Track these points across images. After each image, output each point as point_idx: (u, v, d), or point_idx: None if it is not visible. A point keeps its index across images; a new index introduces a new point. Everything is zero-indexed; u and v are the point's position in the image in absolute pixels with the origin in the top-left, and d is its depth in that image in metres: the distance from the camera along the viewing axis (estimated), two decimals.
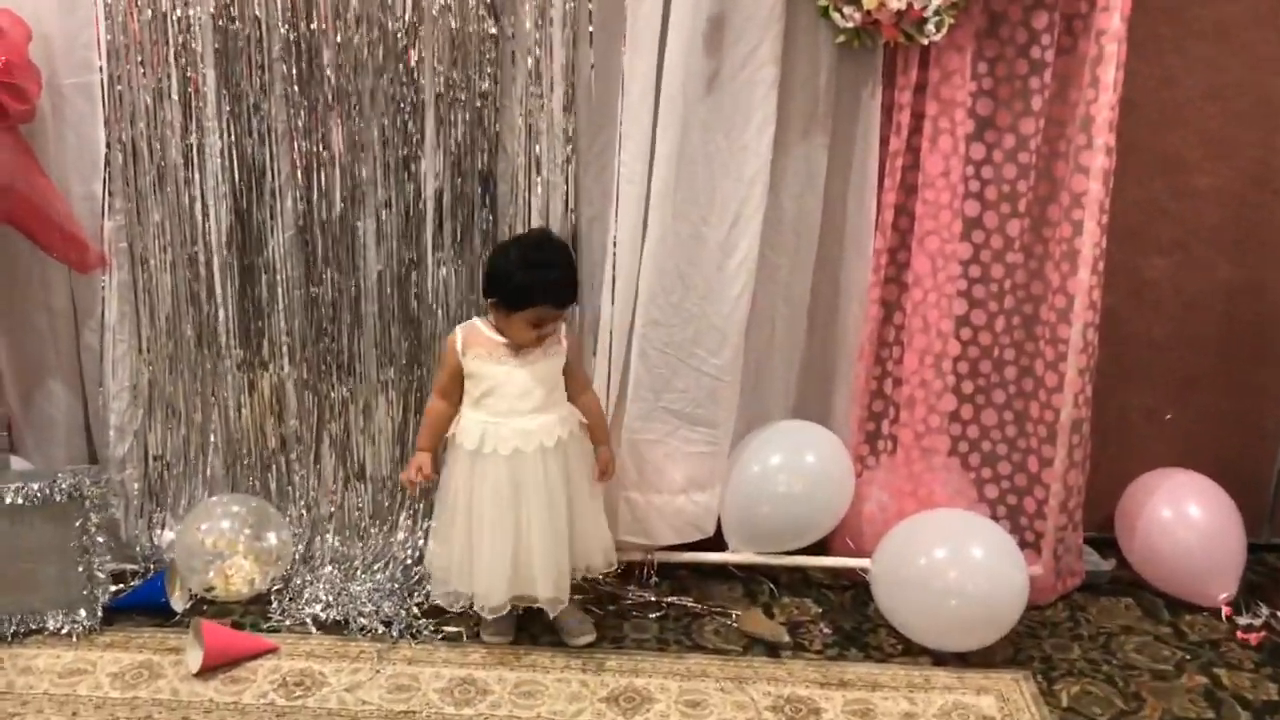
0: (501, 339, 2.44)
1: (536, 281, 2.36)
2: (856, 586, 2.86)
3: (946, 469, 2.81)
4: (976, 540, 2.58)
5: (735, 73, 2.57)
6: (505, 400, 2.43)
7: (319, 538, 2.90)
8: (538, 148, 2.64)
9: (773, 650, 2.61)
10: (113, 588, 2.73)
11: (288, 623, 2.68)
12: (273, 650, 2.55)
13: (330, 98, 2.64)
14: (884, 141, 2.69)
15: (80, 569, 2.61)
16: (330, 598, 2.74)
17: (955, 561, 2.55)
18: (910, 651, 2.61)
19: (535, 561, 2.47)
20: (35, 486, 2.55)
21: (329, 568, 2.83)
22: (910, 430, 2.79)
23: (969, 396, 2.82)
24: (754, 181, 2.63)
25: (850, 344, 2.87)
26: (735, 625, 2.71)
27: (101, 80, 2.63)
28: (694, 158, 2.61)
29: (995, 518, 2.82)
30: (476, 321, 2.49)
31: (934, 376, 2.74)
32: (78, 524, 2.59)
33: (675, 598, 2.82)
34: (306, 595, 2.75)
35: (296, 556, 2.86)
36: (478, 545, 2.47)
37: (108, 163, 2.68)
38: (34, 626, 2.60)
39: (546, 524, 2.45)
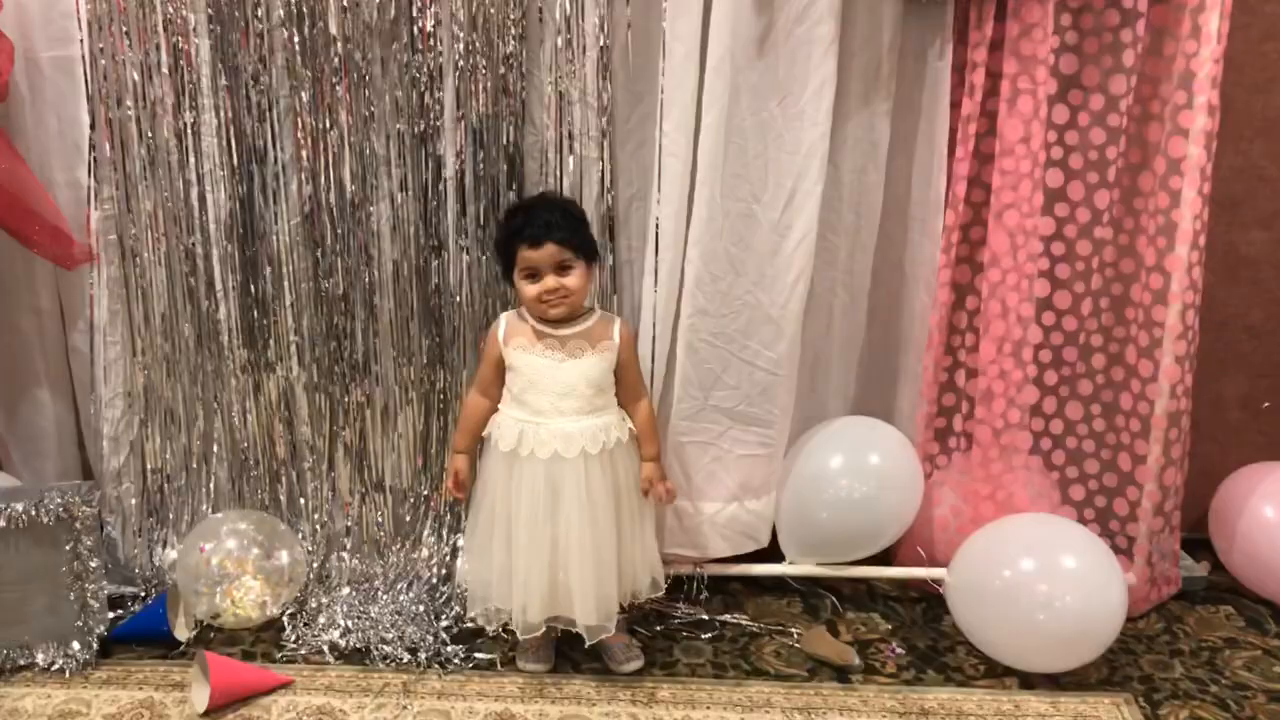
0: (543, 327, 2.22)
1: (516, 224, 2.19)
2: (927, 599, 2.62)
3: (1028, 468, 2.56)
4: (1069, 548, 2.33)
5: (789, 31, 2.31)
6: (546, 397, 2.20)
7: (335, 556, 2.65)
8: (569, 120, 2.38)
9: (842, 674, 2.36)
10: (110, 615, 2.48)
11: (303, 651, 2.43)
12: (286, 684, 2.31)
13: (337, 68, 2.37)
14: (955, 105, 2.44)
15: (72, 597, 2.36)
16: (349, 622, 2.49)
17: (1045, 573, 2.31)
18: (994, 673, 2.37)
19: (573, 580, 2.22)
20: (19, 508, 2.30)
21: (346, 589, 2.59)
22: (987, 426, 2.52)
23: (1052, 388, 2.56)
24: (811, 153, 2.36)
25: (917, 332, 2.62)
26: (798, 645, 2.45)
27: (83, 53, 2.37)
28: (744, 128, 2.35)
29: (1082, 521, 2.58)
30: (522, 309, 2.27)
31: (1013, 366, 2.48)
32: (68, 548, 2.34)
33: (729, 615, 2.57)
34: (322, 620, 2.50)
35: (310, 577, 2.60)
36: (514, 560, 2.23)
37: (92, 146, 2.43)
38: (22, 662, 2.36)
39: (586, 539, 2.21)
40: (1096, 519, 2.59)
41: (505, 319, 2.27)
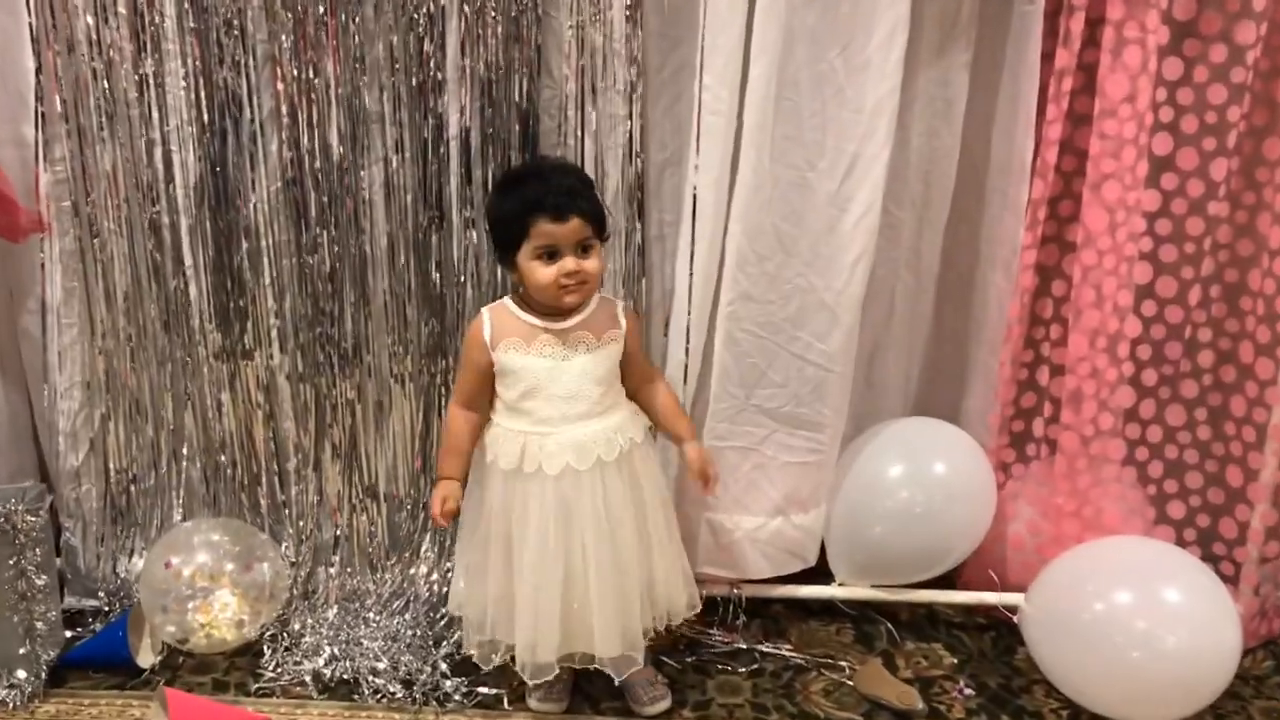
0: (538, 320, 1.88)
1: (530, 193, 1.83)
2: (996, 627, 2.31)
3: (1120, 481, 2.22)
4: (1174, 579, 2.02)
5: None
6: (550, 404, 1.87)
7: (321, 570, 2.33)
8: (593, 71, 2.04)
9: (903, 718, 2.03)
10: (68, 634, 2.19)
11: (284, 681, 2.13)
12: None
13: (324, 8, 2.04)
14: (1046, 57, 2.09)
15: (16, 620, 2.07)
16: (336, 648, 2.18)
17: (1145, 607, 2.00)
18: (1078, 719, 2.04)
19: (594, 610, 1.91)
20: None
21: (334, 609, 2.27)
22: (1074, 433, 2.18)
23: (1151, 389, 2.21)
24: (878, 112, 2.01)
25: (993, 322, 2.28)
26: (851, 683, 2.12)
27: None
28: (798, 81, 2.00)
29: (1181, 543, 2.25)
30: (506, 301, 1.93)
31: (1108, 364, 2.14)
32: (11, 563, 2.04)
33: (771, 644, 2.25)
34: (305, 644, 2.19)
35: (294, 593, 2.29)
36: (519, 589, 1.90)
37: (40, 98, 2.10)
38: None
39: (606, 560, 1.90)
40: (1198, 541, 2.25)
41: (488, 316, 1.91)
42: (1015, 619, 2.19)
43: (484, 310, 1.92)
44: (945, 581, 2.31)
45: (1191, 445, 2.23)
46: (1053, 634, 2.08)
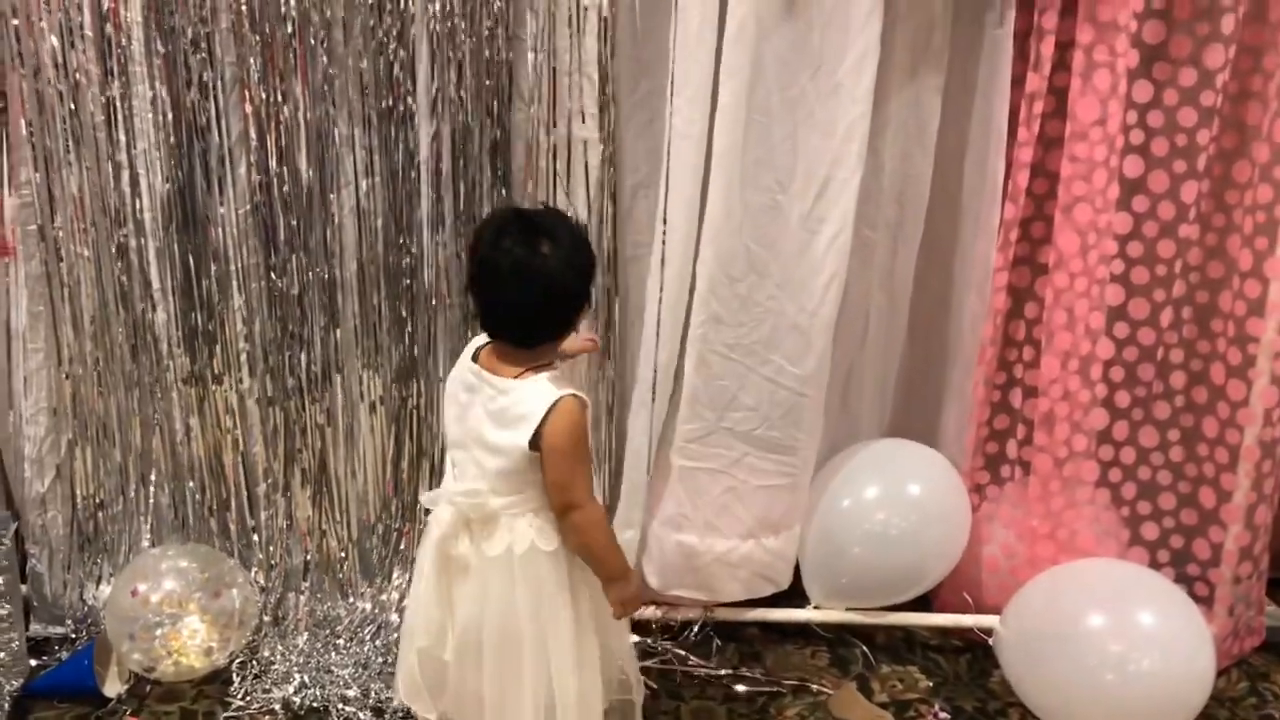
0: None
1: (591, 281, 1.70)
2: (972, 649, 2.30)
3: (1093, 503, 2.23)
4: (1147, 602, 2.03)
5: None
6: None
7: (291, 596, 2.30)
8: (564, 94, 2.03)
9: None
10: (33, 663, 2.15)
11: (253, 708, 2.09)
12: None
13: (292, 31, 2.02)
14: (1017, 81, 2.10)
15: None
16: (306, 676, 2.15)
17: (1119, 630, 2.01)
18: None
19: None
20: None
21: (304, 635, 2.24)
22: (1047, 454, 2.18)
23: (1124, 411, 2.22)
24: (849, 135, 2.01)
25: (966, 344, 2.29)
26: (827, 708, 2.11)
27: None
28: (769, 105, 2.00)
29: (1155, 564, 2.25)
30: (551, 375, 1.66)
31: (1080, 385, 2.14)
32: None
33: (744, 669, 2.22)
34: (275, 671, 2.17)
35: (264, 620, 2.26)
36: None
37: (4, 122, 2.06)
38: None
39: None
40: (1172, 562, 2.25)
41: (565, 386, 1.62)
42: (990, 641, 2.18)
43: (571, 391, 1.60)
44: (921, 604, 2.31)
45: (1165, 467, 2.23)
46: (1028, 656, 2.08)
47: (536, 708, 1.68)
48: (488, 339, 1.69)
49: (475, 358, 1.68)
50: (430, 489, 1.94)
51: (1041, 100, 2.06)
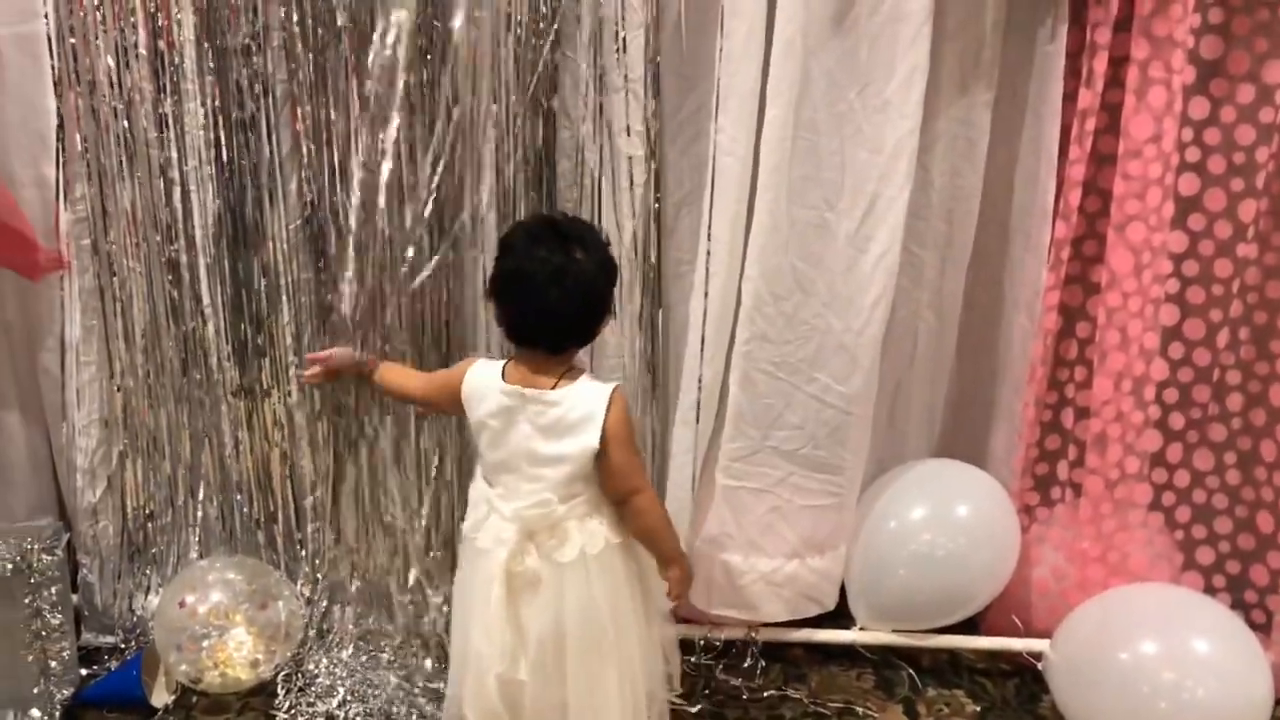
0: None
1: (511, 293, 1.71)
2: (1021, 673, 2.25)
3: (1146, 526, 2.18)
4: (1202, 628, 1.98)
5: (873, 8, 1.96)
6: None
7: (336, 609, 2.31)
8: (609, 111, 2.02)
9: None
10: (84, 671, 2.18)
11: None
12: None
13: (342, 47, 2.03)
14: (1069, 97, 2.07)
15: (31, 659, 2.06)
16: (350, 690, 2.16)
17: (1172, 658, 1.95)
18: None
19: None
20: None
21: (349, 649, 2.25)
22: (1099, 476, 2.14)
23: (1178, 433, 2.17)
24: (897, 153, 1.99)
25: (1016, 364, 2.25)
26: None
27: (48, 31, 2.04)
28: (816, 122, 1.99)
29: (1210, 590, 2.20)
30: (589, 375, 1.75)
31: (1133, 407, 2.10)
32: (27, 602, 2.03)
33: (788, 689, 2.20)
34: (320, 685, 2.18)
35: (309, 633, 2.27)
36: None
37: (60, 138, 2.10)
38: None
39: None
40: (1228, 588, 2.20)
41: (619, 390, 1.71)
42: (1040, 666, 2.14)
43: (616, 383, 1.70)
44: (968, 627, 2.27)
45: (1220, 490, 2.18)
46: (1078, 682, 2.04)
47: (623, 701, 1.73)
48: (508, 356, 1.74)
49: (504, 378, 1.69)
50: None
51: (1094, 117, 2.02)
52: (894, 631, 2.24)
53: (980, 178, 2.13)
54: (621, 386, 1.70)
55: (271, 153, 2.11)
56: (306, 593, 2.32)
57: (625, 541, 1.74)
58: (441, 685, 2.10)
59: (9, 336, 2.27)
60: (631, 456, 1.70)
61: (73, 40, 2.05)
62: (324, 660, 2.24)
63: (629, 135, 2.03)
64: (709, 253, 2.01)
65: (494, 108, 2.04)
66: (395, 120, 2.04)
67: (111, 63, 2.07)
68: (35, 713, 2.07)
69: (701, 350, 2.06)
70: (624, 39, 1.98)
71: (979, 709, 2.17)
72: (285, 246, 2.16)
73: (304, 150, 2.10)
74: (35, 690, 2.06)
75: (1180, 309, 2.09)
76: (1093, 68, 2.00)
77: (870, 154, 2.00)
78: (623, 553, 1.74)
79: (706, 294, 2.03)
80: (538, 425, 1.67)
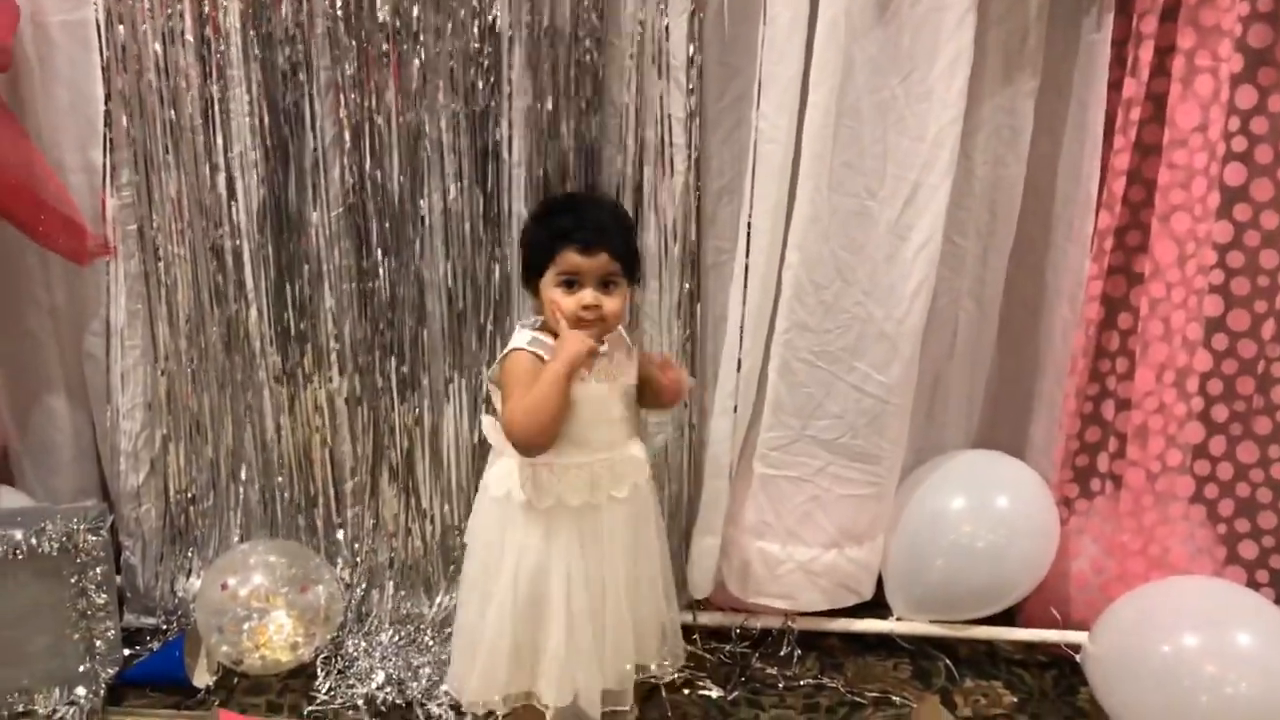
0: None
1: (563, 222, 1.79)
2: (1059, 664, 2.24)
3: (1187, 519, 2.15)
4: (1245, 622, 1.95)
5: None
6: (603, 430, 1.84)
7: (376, 593, 2.33)
8: (652, 99, 2.03)
9: None
10: (126, 652, 2.20)
11: (337, 703, 2.12)
12: None
13: (386, 34, 2.04)
14: (1114, 86, 2.03)
15: (76, 637, 2.08)
16: (389, 672, 2.17)
17: (1214, 651, 1.92)
18: None
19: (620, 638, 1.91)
20: (18, 536, 2.01)
21: (388, 632, 2.27)
22: (1140, 469, 2.13)
23: (1222, 426, 2.15)
24: (940, 141, 1.98)
25: (1057, 354, 2.22)
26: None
27: (96, 17, 2.06)
28: (859, 109, 1.98)
29: (1254, 584, 2.17)
30: (538, 336, 1.81)
31: (1176, 398, 2.08)
32: (73, 581, 2.06)
33: (825, 679, 2.20)
34: (359, 667, 2.19)
35: (348, 616, 2.29)
36: (583, 631, 1.85)
37: (108, 124, 2.12)
38: (22, 709, 2.08)
39: (636, 586, 1.93)
40: (1271, 582, 2.17)
41: (534, 349, 1.78)
42: (1078, 658, 2.13)
43: (525, 346, 1.78)
44: (1006, 618, 2.26)
45: (1265, 484, 2.15)
46: (1118, 675, 2.01)
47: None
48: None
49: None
50: None
51: (1139, 106, 2.00)
52: (931, 622, 2.24)
53: (1023, 167, 2.11)
54: (523, 349, 1.78)
55: (316, 140, 2.12)
56: (346, 576, 2.33)
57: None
58: None
59: (56, 321, 2.31)
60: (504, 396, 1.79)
61: (121, 27, 2.07)
62: (363, 643, 2.26)
63: (670, 124, 2.02)
64: (749, 241, 2.01)
65: (537, 94, 2.04)
66: (437, 105, 2.05)
67: (159, 49, 2.09)
68: (81, 690, 2.09)
69: (741, 339, 2.06)
70: (666, 26, 1.98)
71: (1016, 700, 2.16)
72: (327, 233, 2.17)
73: (346, 138, 2.11)
74: (81, 669, 2.09)
75: (1225, 300, 2.07)
76: (1138, 56, 1.98)
77: (913, 142, 1.99)
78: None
79: (746, 282, 2.03)
80: None
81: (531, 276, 1.83)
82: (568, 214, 1.82)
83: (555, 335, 1.79)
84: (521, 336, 1.81)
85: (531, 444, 1.75)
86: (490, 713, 1.92)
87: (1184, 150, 1.99)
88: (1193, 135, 1.98)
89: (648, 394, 1.91)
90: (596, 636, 1.85)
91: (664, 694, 2.10)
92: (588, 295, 1.76)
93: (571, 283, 1.77)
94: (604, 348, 1.80)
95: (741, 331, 2.06)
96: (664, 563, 1.99)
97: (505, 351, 1.81)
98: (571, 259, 1.76)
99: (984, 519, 2.17)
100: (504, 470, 1.85)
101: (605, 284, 1.78)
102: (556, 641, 1.82)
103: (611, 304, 1.78)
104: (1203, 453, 2.15)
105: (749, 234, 2.02)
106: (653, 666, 2.03)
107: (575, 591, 1.82)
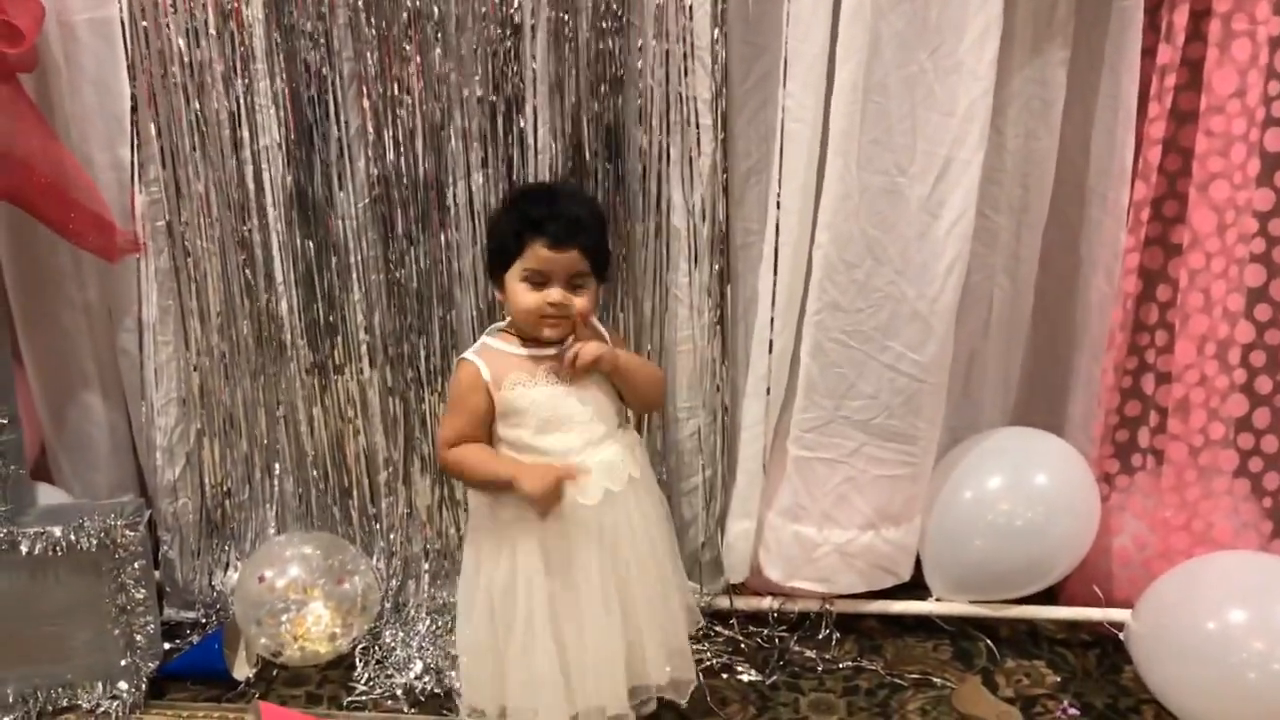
0: (537, 350, 1.77)
1: (534, 213, 1.71)
2: (1101, 643, 2.21)
3: (1231, 494, 2.12)
4: None
5: None
6: (574, 432, 1.76)
7: (412, 583, 2.34)
8: (676, 80, 2.00)
9: None
10: (166, 645, 2.22)
11: (376, 693, 2.13)
12: None
13: (408, 21, 2.03)
14: (1147, 53, 2.00)
15: (117, 632, 2.10)
16: (426, 662, 2.18)
17: (1262, 627, 1.89)
18: None
19: (646, 633, 1.84)
20: (57, 533, 2.03)
21: (425, 622, 2.27)
22: (1182, 443, 2.09)
23: (1265, 398, 2.10)
24: (970, 115, 1.95)
25: (1095, 329, 2.19)
26: (951, 702, 2.05)
27: (121, 15, 2.06)
28: (887, 85, 1.94)
29: None
30: (489, 341, 1.79)
31: (1217, 371, 2.05)
32: (112, 577, 2.07)
33: (864, 661, 2.18)
34: (396, 657, 2.20)
35: (385, 606, 2.30)
36: (582, 642, 1.78)
37: (135, 121, 2.12)
38: (65, 704, 2.11)
39: (653, 578, 1.86)
40: None
41: (480, 360, 1.74)
42: (1121, 636, 2.10)
43: (470, 355, 1.76)
44: (1047, 597, 2.23)
45: None
46: (1162, 652, 1.99)
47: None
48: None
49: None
50: None
51: (1174, 73, 1.96)
52: (971, 602, 2.21)
53: (1056, 139, 2.08)
54: (466, 359, 1.76)
55: (340, 131, 2.12)
56: (382, 567, 2.34)
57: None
58: None
59: (90, 318, 2.31)
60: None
61: (144, 23, 2.07)
62: (400, 633, 2.26)
63: (696, 105, 2.00)
64: (779, 221, 1.99)
65: (561, 79, 2.03)
66: (461, 93, 2.04)
67: (182, 44, 2.08)
68: (123, 684, 2.11)
69: (772, 321, 2.05)
70: (690, 6, 1.96)
71: (1059, 679, 2.13)
72: (354, 224, 2.17)
73: (370, 128, 2.11)
74: (122, 663, 2.11)
75: (1267, 269, 2.03)
76: (1172, 21, 1.94)
77: (942, 117, 1.95)
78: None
79: (776, 264, 2.01)
80: None
81: (496, 269, 1.76)
82: (539, 205, 1.74)
83: (519, 336, 1.76)
84: (477, 343, 1.80)
85: (449, 475, 1.75)
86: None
87: (1221, 117, 1.95)
88: (1230, 101, 1.94)
89: (625, 391, 1.83)
90: (574, 657, 1.76)
91: (701, 679, 2.09)
92: (555, 294, 1.70)
93: (539, 280, 1.71)
94: (569, 344, 1.75)
95: (773, 313, 2.04)
96: (670, 570, 1.89)
97: (458, 358, 1.79)
98: (540, 254, 1.69)
99: (1023, 497, 2.14)
100: None
101: (576, 283, 1.72)
102: (516, 661, 1.77)
103: (581, 303, 1.72)
104: (1246, 426, 2.11)
105: (779, 214, 1.99)
106: (652, 687, 1.90)
107: (537, 610, 1.73)
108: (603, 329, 1.86)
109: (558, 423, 1.74)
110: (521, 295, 1.71)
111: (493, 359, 1.75)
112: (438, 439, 1.74)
